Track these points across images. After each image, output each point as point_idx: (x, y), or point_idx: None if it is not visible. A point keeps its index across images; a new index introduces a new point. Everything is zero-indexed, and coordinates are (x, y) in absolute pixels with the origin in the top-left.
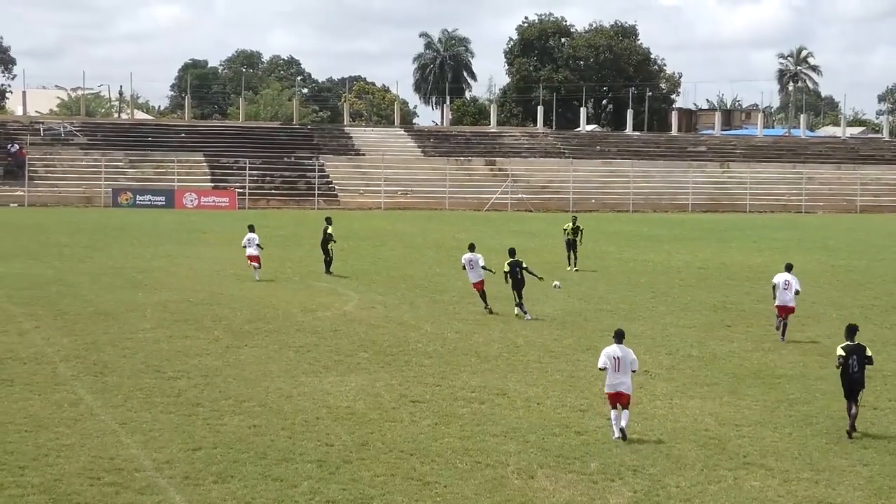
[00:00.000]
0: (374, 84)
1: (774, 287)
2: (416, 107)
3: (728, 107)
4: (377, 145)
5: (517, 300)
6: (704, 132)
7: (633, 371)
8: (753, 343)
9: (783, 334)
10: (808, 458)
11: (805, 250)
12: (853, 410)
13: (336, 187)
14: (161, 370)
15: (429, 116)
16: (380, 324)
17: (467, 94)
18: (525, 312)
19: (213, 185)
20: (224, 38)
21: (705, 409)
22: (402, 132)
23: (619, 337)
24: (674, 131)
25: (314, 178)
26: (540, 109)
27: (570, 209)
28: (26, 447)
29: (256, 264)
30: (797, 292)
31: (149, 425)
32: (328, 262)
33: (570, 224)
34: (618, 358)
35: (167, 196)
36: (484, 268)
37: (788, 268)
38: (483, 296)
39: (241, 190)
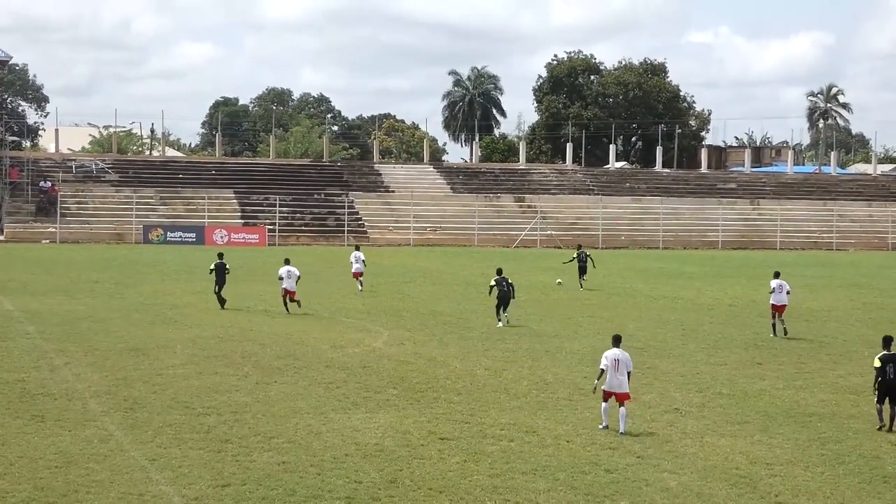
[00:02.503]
0: (403, 121)
1: (772, 291)
2: (445, 144)
3: (758, 144)
4: (406, 182)
5: (501, 312)
6: (734, 169)
7: (629, 372)
8: (785, 381)
9: (784, 332)
10: (840, 498)
11: (836, 288)
12: (892, 411)
13: (365, 224)
14: (191, 406)
15: (458, 153)
16: (409, 360)
17: (496, 132)
18: (500, 320)
19: (243, 221)
20: (255, 76)
21: (736, 448)
22: (432, 169)
23: (617, 341)
24: (703, 168)
25: (344, 214)
26: (569, 146)
27: (599, 246)
28: (56, 483)
29: (361, 279)
30: (788, 292)
31: (178, 461)
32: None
33: (575, 252)
34: (617, 360)
35: (197, 233)
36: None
37: (777, 275)
38: (287, 303)
39: (271, 227)
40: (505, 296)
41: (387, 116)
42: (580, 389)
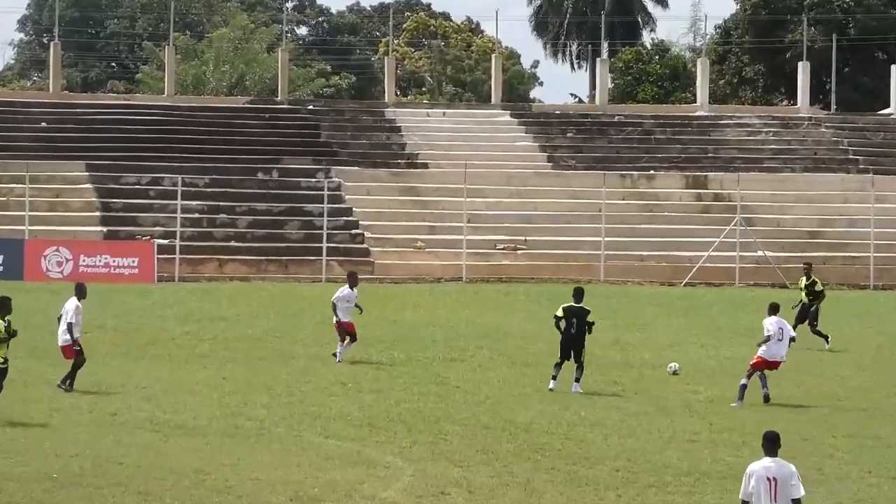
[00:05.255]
0: (447, 17)
1: (768, 338)
2: (536, 66)
3: None
4: (454, 145)
5: (560, 366)
6: None
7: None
8: None
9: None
10: None
11: None
12: None
13: (366, 235)
14: None
15: (563, 86)
16: None
17: (647, 38)
18: (554, 378)
19: (105, 230)
20: None
21: None
22: (508, 117)
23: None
24: None
25: (321, 213)
26: (802, 69)
27: (870, 281)
28: None
29: (347, 339)
30: (793, 339)
31: None
32: None
33: (804, 280)
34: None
35: (9, 255)
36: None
37: (775, 309)
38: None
39: (164, 241)
40: (574, 341)
41: (414, 6)
42: None
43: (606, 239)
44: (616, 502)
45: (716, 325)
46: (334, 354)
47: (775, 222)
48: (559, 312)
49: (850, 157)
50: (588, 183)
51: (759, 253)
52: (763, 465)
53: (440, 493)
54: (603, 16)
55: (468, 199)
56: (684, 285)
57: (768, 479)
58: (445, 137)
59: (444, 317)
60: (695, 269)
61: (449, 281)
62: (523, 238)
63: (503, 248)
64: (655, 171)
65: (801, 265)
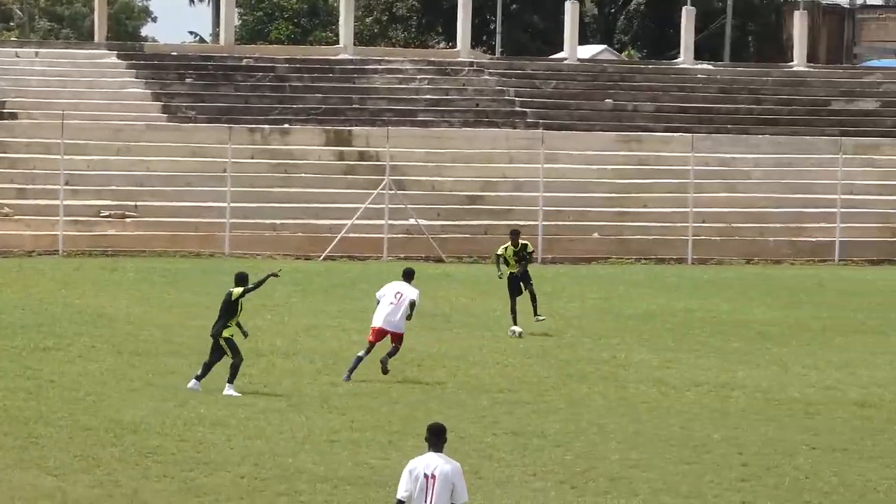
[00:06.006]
0: None
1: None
2: None
3: None
4: (49, 92)
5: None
6: (872, 64)
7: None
8: None
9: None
10: None
11: None
12: None
13: None
14: None
15: (182, 22)
16: None
17: None
18: (231, 384)
19: None
20: None
21: None
22: (114, 59)
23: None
24: (798, 60)
25: None
26: (462, 5)
27: (538, 255)
28: None
29: None
30: (412, 305)
31: None
32: None
33: (509, 246)
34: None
35: None
36: None
37: (409, 274)
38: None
39: None
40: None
41: None
42: None
43: (232, 205)
44: None
45: (360, 305)
46: None
47: (430, 185)
48: (236, 293)
49: (517, 108)
50: (211, 138)
51: (411, 221)
52: (425, 460)
53: None
54: None
55: (66, 157)
56: (324, 259)
57: (426, 475)
58: (38, 83)
59: (35, 298)
60: (336, 240)
61: (42, 255)
62: (133, 204)
63: (109, 216)
64: (290, 125)
65: (511, 231)
